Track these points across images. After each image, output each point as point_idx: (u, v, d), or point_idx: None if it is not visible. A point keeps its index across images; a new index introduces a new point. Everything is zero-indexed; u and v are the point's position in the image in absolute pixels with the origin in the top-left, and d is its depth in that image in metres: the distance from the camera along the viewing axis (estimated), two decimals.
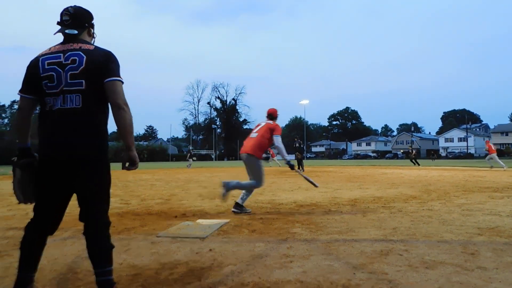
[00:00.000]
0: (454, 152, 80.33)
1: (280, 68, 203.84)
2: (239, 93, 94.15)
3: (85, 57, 2.18)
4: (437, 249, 3.28)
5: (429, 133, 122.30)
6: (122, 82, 2.24)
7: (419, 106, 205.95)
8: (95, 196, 2.26)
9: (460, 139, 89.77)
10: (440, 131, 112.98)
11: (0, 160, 39.24)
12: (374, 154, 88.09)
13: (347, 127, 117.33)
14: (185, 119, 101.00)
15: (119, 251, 3.35)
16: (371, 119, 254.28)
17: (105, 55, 2.25)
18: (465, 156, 70.95)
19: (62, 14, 2.30)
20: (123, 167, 2.34)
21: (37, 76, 2.20)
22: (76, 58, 2.18)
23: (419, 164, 25.61)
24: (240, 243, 3.61)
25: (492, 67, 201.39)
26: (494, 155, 19.61)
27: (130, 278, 2.64)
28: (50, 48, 2.28)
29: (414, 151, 27.37)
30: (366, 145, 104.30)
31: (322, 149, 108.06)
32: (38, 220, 2.27)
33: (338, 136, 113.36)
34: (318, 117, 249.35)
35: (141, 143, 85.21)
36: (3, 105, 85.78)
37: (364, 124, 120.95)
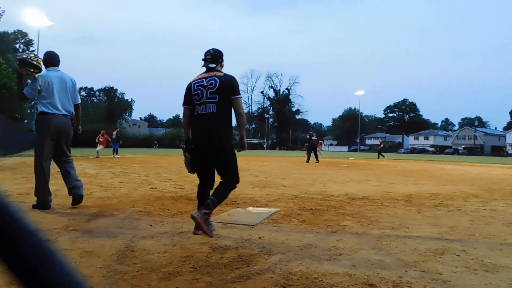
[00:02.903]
0: None
1: (336, 58, 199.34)
2: (293, 83, 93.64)
3: (218, 81, 3.39)
4: (499, 252, 3.08)
5: (495, 128, 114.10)
6: (241, 97, 3.51)
7: (485, 99, 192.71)
8: (229, 165, 3.52)
9: None
10: (508, 127, 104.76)
11: None
12: (433, 149, 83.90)
13: (404, 119, 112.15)
14: None
15: (173, 233, 3.50)
16: (431, 112, 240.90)
17: (231, 80, 3.45)
18: None
19: (206, 54, 3.57)
20: (236, 150, 3.61)
21: (190, 93, 3.49)
22: (213, 81, 3.40)
23: (384, 157, 28.71)
24: (289, 233, 3.63)
25: None
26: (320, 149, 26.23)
27: (182, 259, 2.75)
28: (198, 76, 3.55)
29: (382, 145, 30.75)
30: (424, 139, 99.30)
31: (377, 141, 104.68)
32: (201, 181, 3.70)
33: (394, 129, 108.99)
34: (374, 108, 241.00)
35: None
36: None
37: (423, 117, 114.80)
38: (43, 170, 4.55)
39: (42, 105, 4.52)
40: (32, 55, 4.55)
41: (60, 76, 4.65)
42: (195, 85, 3.46)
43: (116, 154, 20.82)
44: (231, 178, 3.54)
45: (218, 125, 3.39)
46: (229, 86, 3.40)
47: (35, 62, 4.42)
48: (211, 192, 3.56)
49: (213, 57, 3.55)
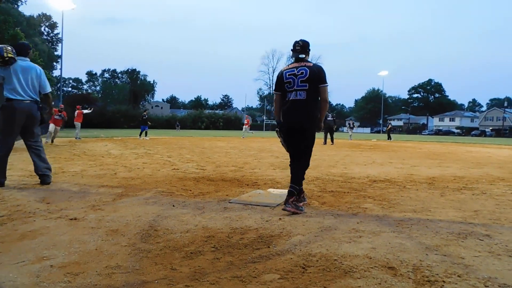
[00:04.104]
0: None
1: (359, 37, 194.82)
2: (317, 62, 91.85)
3: (308, 70, 3.76)
4: None
5: None
6: (328, 86, 3.83)
7: None
8: (307, 149, 3.97)
9: None
10: None
11: (93, 124, 43.06)
12: (458, 131, 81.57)
13: (429, 100, 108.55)
14: (260, 89, 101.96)
15: (195, 214, 3.57)
16: (457, 93, 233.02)
17: (319, 70, 3.81)
18: None
19: (295, 45, 3.92)
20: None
21: (282, 81, 3.90)
22: (303, 71, 3.77)
23: (391, 139, 29.55)
24: (309, 214, 3.65)
25: None
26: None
27: (204, 239, 2.81)
28: (288, 65, 3.97)
29: (390, 126, 33.86)
30: (450, 120, 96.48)
31: (400, 123, 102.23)
32: (292, 157, 4.04)
33: (418, 110, 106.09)
34: (397, 89, 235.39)
35: (217, 111, 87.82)
36: (95, 73, 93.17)
37: (449, 97, 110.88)
38: None
39: (7, 91, 4.85)
40: (9, 47, 4.86)
41: (26, 65, 4.96)
42: (287, 74, 3.86)
43: (140, 136, 20.90)
44: (304, 163, 3.97)
45: (307, 110, 3.80)
46: (318, 75, 3.76)
47: (5, 54, 4.73)
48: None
49: (302, 48, 3.91)
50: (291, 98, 3.83)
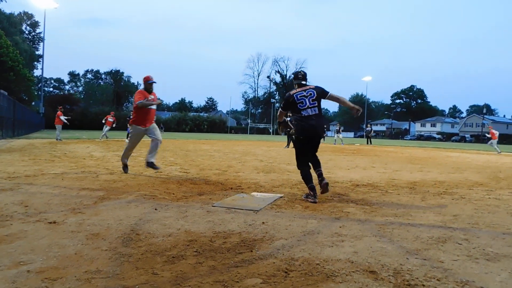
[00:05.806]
0: None
1: (344, 42, 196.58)
2: (300, 68, 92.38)
3: (314, 91, 4.80)
4: (501, 241, 3.09)
5: (504, 116, 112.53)
6: (330, 92, 4.91)
7: (494, 87, 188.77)
8: (316, 149, 4.98)
9: None
10: None
11: (75, 126, 42.36)
12: (439, 136, 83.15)
13: (411, 106, 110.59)
14: (245, 92, 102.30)
15: (178, 217, 3.54)
16: (439, 99, 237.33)
17: (320, 88, 4.88)
18: None
19: (298, 74, 5.04)
20: (354, 115, 5.02)
21: (294, 102, 4.79)
22: (311, 92, 4.79)
23: (371, 143, 30.51)
24: (292, 218, 3.66)
25: None
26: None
27: (186, 243, 2.78)
28: (296, 90, 4.88)
29: (371, 131, 34.00)
30: (431, 126, 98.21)
31: (383, 128, 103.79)
32: (307, 162, 4.87)
33: (401, 116, 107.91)
34: (381, 94, 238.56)
35: (201, 114, 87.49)
36: (78, 74, 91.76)
37: (430, 103, 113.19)
38: None
39: None
40: None
41: None
42: (298, 96, 4.79)
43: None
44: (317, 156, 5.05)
45: (321, 121, 4.93)
46: (321, 92, 4.84)
47: None
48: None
49: (304, 77, 5.01)
50: (306, 114, 4.73)
